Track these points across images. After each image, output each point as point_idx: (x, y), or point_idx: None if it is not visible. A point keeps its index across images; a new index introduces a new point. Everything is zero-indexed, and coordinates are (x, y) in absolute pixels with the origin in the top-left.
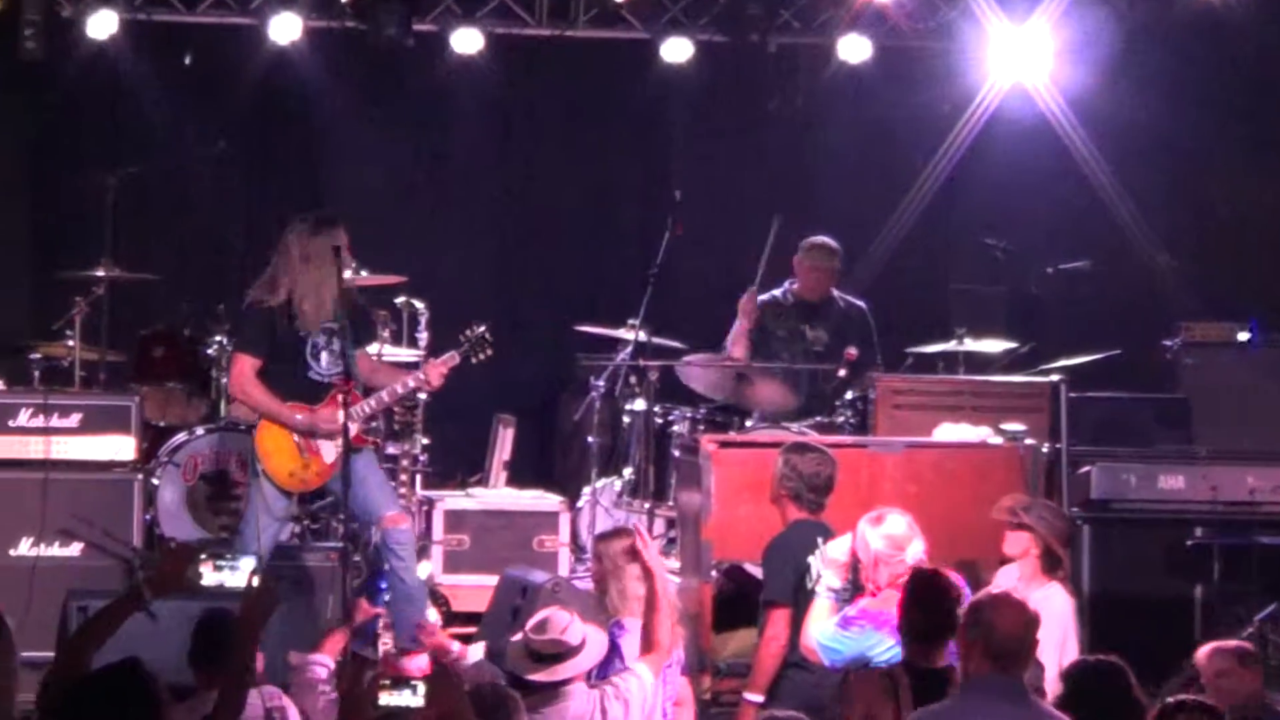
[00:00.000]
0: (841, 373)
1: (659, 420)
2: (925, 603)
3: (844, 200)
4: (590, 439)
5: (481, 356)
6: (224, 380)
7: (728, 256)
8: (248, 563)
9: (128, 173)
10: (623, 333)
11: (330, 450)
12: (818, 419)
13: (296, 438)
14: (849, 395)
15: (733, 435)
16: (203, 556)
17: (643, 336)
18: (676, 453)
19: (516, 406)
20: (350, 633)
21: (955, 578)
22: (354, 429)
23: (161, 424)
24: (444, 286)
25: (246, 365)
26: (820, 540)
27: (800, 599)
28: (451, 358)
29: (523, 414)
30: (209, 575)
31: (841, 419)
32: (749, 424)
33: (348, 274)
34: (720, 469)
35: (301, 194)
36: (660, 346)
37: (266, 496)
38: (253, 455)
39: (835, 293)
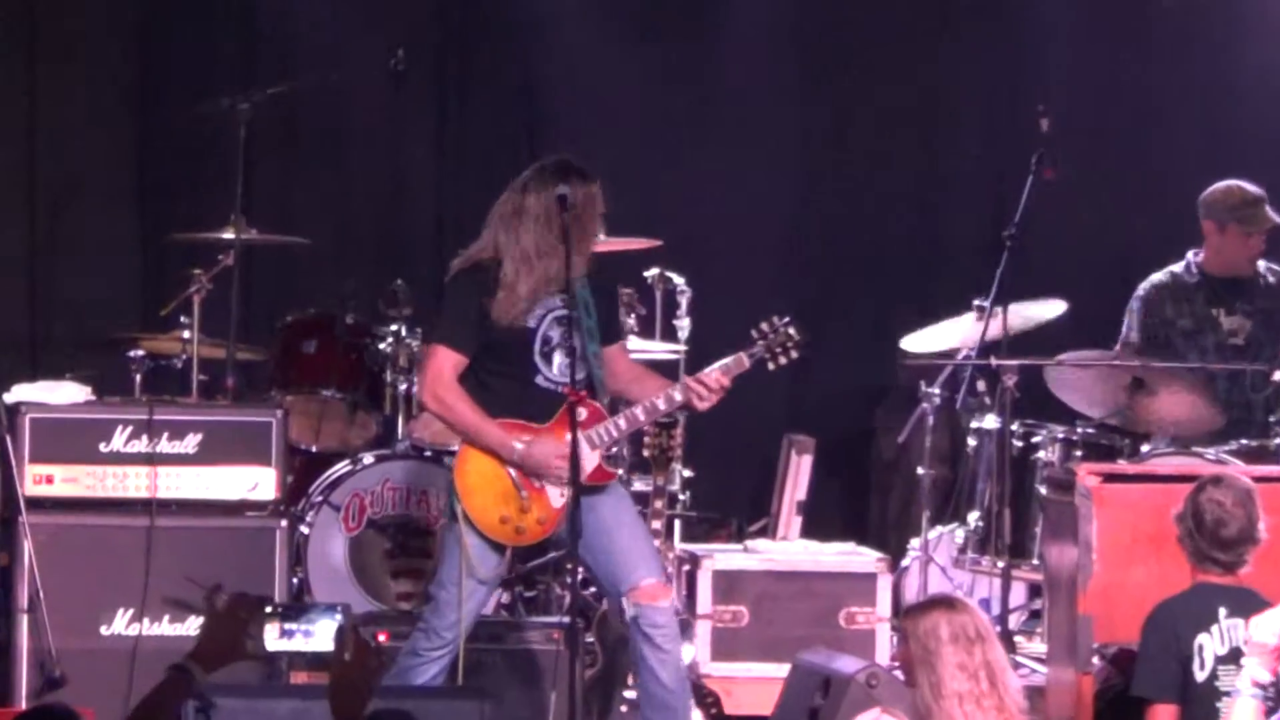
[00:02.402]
0: (1277, 376)
1: (1018, 444)
2: None
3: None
4: (920, 470)
5: (783, 361)
6: (403, 386)
7: (1117, 211)
8: (327, 624)
9: (267, 96)
10: (966, 320)
11: (557, 493)
12: (1242, 442)
13: (512, 470)
14: None
15: (1123, 465)
16: (268, 611)
17: (995, 326)
18: (1043, 490)
19: (814, 424)
20: None
21: None
22: (593, 459)
23: (314, 449)
24: (711, 254)
25: (446, 363)
26: (1223, 611)
27: (1196, 694)
28: (738, 363)
29: (824, 435)
30: (273, 640)
31: (1277, 441)
32: (1146, 448)
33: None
34: (1105, 513)
35: (512, 125)
36: (1020, 339)
37: (470, 551)
38: (451, 492)
39: (1261, 264)
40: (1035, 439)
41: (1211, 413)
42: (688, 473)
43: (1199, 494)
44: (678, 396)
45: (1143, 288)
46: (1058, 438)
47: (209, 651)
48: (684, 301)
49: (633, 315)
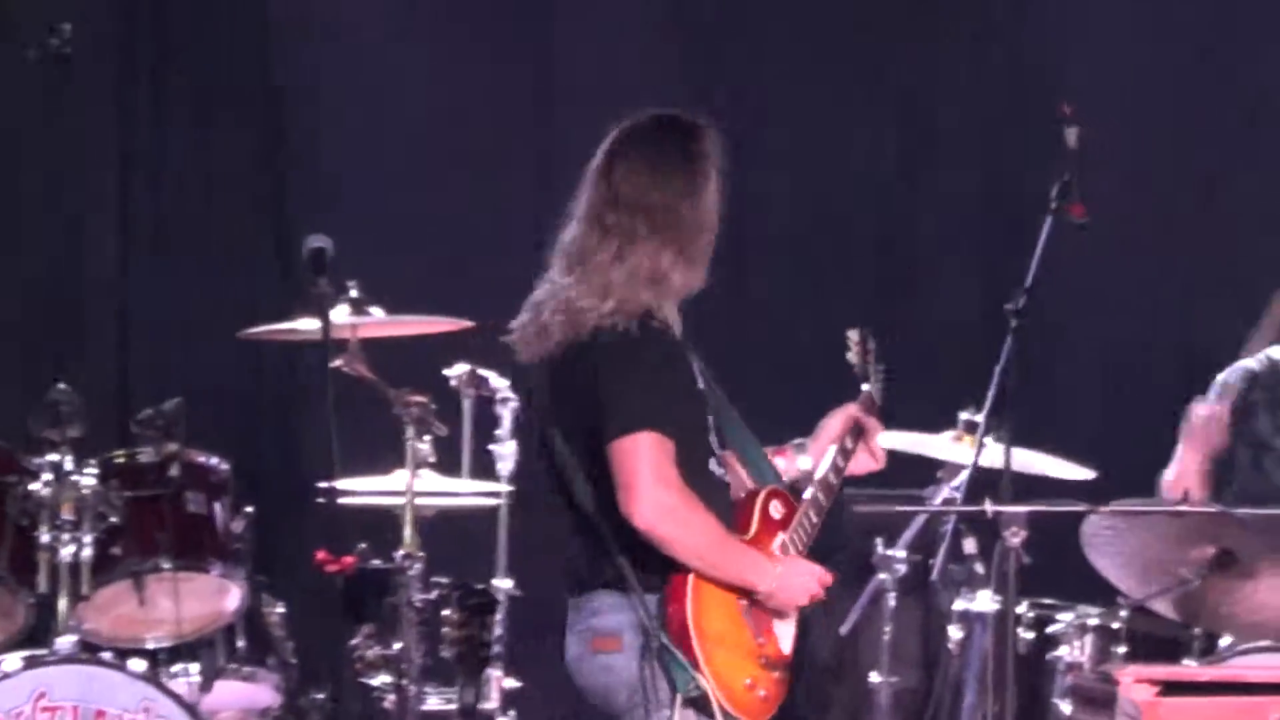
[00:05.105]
0: None
1: (1028, 635)
2: None
3: None
4: (875, 677)
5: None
6: (69, 548)
7: (1184, 266)
8: None
9: None
10: (943, 441)
11: (788, 630)
12: None
13: (743, 608)
14: None
15: (1192, 668)
16: None
17: (993, 448)
18: (1066, 707)
19: None
20: None
21: None
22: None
23: None
24: None
25: (663, 455)
26: None
27: None
28: (865, 401)
29: None
30: None
31: None
32: (1226, 642)
33: None
34: None
35: (236, 133)
36: (1028, 475)
37: None
38: (675, 659)
39: None
40: (1053, 627)
41: None
42: (511, 682)
43: None
44: (849, 445)
45: (1223, 378)
46: (1089, 625)
47: None
48: (506, 415)
49: (427, 438)
